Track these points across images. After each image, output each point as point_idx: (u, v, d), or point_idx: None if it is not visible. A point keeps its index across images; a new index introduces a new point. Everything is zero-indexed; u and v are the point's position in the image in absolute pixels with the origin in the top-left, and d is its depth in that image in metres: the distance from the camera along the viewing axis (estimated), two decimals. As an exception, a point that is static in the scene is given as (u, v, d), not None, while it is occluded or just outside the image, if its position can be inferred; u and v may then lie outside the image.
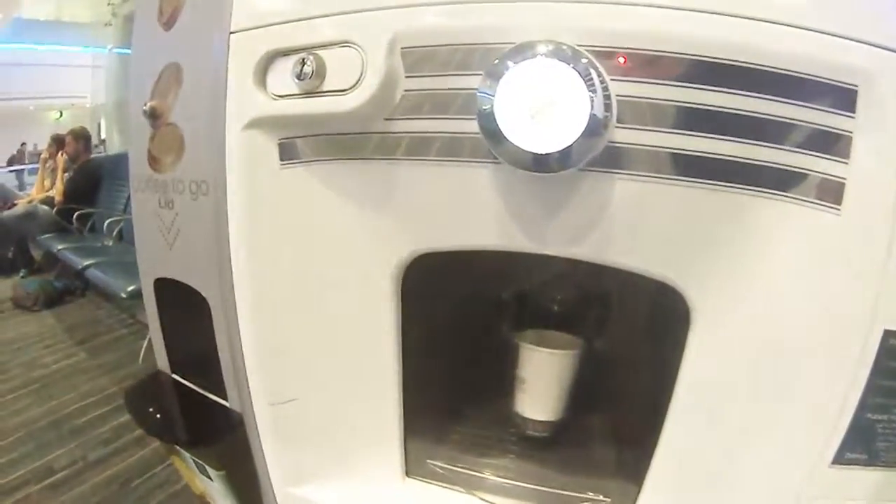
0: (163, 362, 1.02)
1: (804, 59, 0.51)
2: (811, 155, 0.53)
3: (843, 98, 0.51)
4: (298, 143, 0.66)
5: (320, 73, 0.61)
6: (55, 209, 5.02)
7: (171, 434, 0.98)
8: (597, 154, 0.52)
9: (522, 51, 0.51)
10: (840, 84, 0.51)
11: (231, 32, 0.66)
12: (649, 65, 0.52)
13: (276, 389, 0.75)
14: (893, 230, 0.52)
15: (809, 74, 0.51)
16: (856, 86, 0.51)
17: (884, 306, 0.54)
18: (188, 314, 0.89)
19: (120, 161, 5.34)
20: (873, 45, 0.50)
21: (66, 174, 5.31)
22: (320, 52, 0.61)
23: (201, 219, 0.78)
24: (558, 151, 0.50)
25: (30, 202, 5.22)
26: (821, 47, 0.51)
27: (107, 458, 2.45)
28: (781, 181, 0.54)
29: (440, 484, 0.80)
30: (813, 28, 0.51)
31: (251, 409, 0.78)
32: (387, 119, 0.60)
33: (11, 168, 9.26)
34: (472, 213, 0.63)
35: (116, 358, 3.54)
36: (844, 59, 0.51)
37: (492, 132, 0.51)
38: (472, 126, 0.54)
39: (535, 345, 0.81)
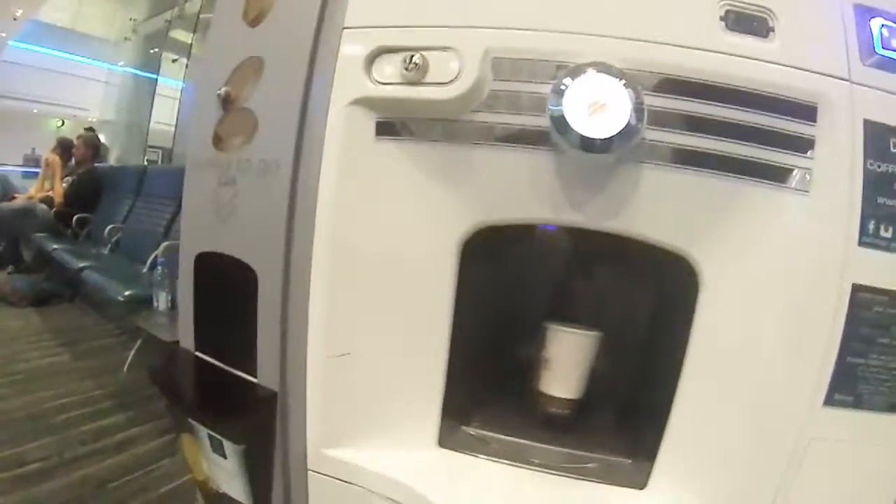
0: (187, 340, 1.08)
1: (779, 85, 0.70)
2: (785, 152, 0.71)
3: (807, 112, 0.71)
4: (392, 122, 0.79)
5: (424, 68, 0.75)
6: (53, 210, 5.04)
7: (197, 408, 1.03)
8: (632, 146, 0.69)
9: (585, 68, 0.68)
10: (804, 102, 0.71)
11: (344, 28, 0.80)
12: (670, 84, 0.71)
13: (335, 342, 0.84)
14: (850, 206, 0.70)
15: (783, 96, 0.70)
16: (815, 103, 0.70)
17: (850, 265, 0.70)
18: (229, 288, 0.98)
19: (124, 173, 5.52)
20: (827, 75, 0.71)
21: (67, 178, 5.35)
22: (425, 53, 0.75)
23: (265, 195, 0.88)
24: (605, 139, 0.66)
25: (29, 199, 5.23)
26: (791, 77, 0.71)
27: (83, 458, 2.42)
28: (765, 172, 0.71)
29: (469, 453, 0.90)
30: (785, 63, 0.71)
31: (296, 372, 0.88)
32: (473, 111, 0.76)
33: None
34: (532, 191, 0.78)
35: (100, 364, 3.50)
36: (807, 85, 0.71)
37: (560, 122, 0.67)
38: (540, 121, 0.71)
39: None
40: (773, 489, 0.73)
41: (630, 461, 0.87)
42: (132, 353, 3.25)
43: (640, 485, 0.82)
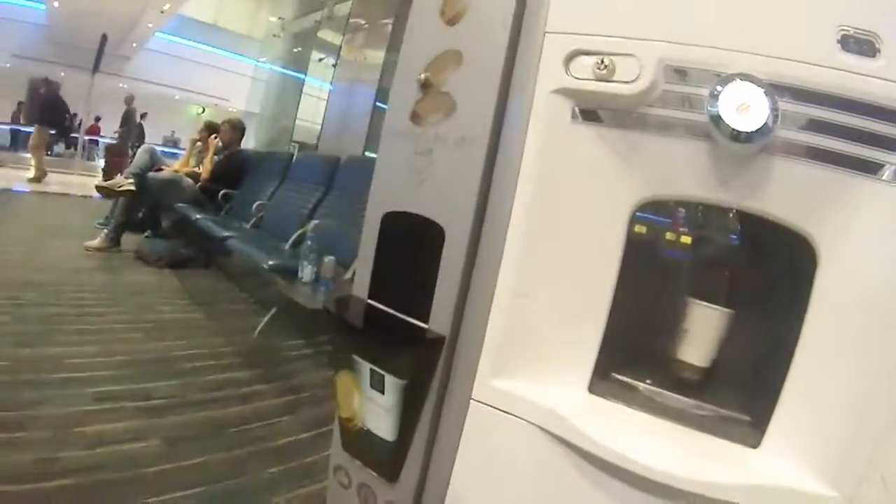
0: (361, 289, 1.29)
1: (882, 96, 0.85)
2: (889, 152, 0.85)
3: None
4: (584, 110, 1.00)
5: (612, 69, 0.96)
6: (198, 185, 5.43)
7: (368, 346, 1.21)
8: (768, 140, 0.87)
9: (734, 77, 0.88)
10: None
11: (546, 31, 1.02)
12: (797, 93, 0.88)
13: (521, 286, 1.04)
14: None
15: (886, 105, 0.85)
16: None
17: None
18: (413, 244, 1.18)
19: (270, 157, 6.07)
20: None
21: (215, 157, 5.74)
22: (613, 57, 0.96)
23: (460, 165, 1.09)
24: (748, 132, 0.85)
25: (175, 172, 5.63)
26: (892, 89, 0.85)
27: (206, 403, 2.63)
28: (873, 168, 0.86)
29: (614, 401, 1.08)
30: (887, 78, 0.85)
31: (473, 314, 1.08)
32: (648, 106, 0.96)
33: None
34: (690, 173, 0.97)
35: (231, 325, 3.76)
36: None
37: (715, 118, 0.87)
38: (699, 117, 0.91)
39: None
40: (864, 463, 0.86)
41: (749, 420, 1.02)
42: (266, 319, 3.54)
43: (755, 444, 0.97)
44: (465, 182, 1.07)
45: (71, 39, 15.24)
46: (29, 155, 10.38)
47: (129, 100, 12.58)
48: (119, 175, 6.12)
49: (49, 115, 10.94)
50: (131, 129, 12.63)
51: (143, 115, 16.02)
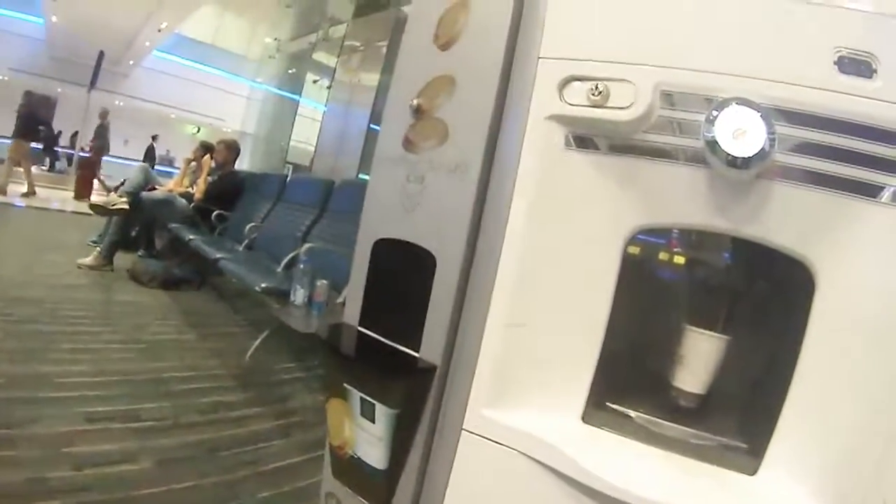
0: (352, 316, 1.27)
1: (880, 118, 0.83)
2: (887, 174, 0.84)
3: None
4: (578, 136, 0.99)
5: (606, 95, 0.94)
6: (192, 205, 5.42)
7: (358, 374, 1.19)
8: (766, 165, 0.86)
9: (730, 102, 0.86)
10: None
11: (540, 57, 1.01)
12: (794, 116, 0.87)
13: (514, 315, 1.02)
14: None
15: (884, 126, 0.84)
16: None
17: None
18: (404, 272, 1.16)
19: (265, 178, 6.09)
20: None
21: (209, 177, 5.74)
22: (607, 83, 0.94)
23: (453, 192, 1.08)
24: (745, 158, 0.84)
25: (169, 192, 5.62)
26: (890, 110, 0.83)
27: (198, 425, 2.63)
28: (872, 190, 0.84)
29: (608, 430, 1.05)
30: (884, 99, 0.83)
31: (465, 343, 1.06)
32: (644, 132, 0.94)
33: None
34: (687, 200, 0.95)
35: (224, 347, 3.77)
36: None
37: (712, 144, 0.86)
38: (694, 143, 0.90)
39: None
40: (866, 486, 0.84)
41: (746, 447, 1.00)
42: (258, 341, 3.51)
43: (752, 471, 0.95)
44: (457, 209, 1.05)
45: (69, 55, 15.36)
46: (21, 168, 10.34)
47: (104, 114, 12.52)
48: (111, 193, 6.11)
49: (25, 128, 10.81)
50: (104, 144, 12.58)
51: (154, 137, 16.27)
